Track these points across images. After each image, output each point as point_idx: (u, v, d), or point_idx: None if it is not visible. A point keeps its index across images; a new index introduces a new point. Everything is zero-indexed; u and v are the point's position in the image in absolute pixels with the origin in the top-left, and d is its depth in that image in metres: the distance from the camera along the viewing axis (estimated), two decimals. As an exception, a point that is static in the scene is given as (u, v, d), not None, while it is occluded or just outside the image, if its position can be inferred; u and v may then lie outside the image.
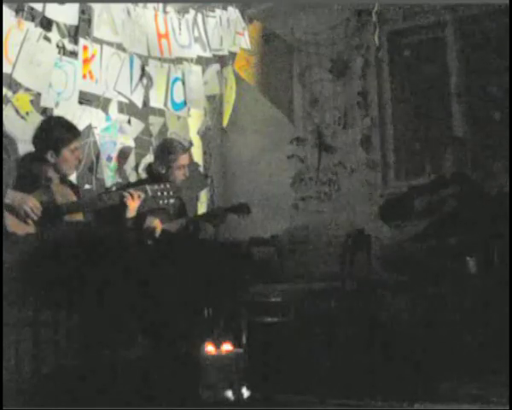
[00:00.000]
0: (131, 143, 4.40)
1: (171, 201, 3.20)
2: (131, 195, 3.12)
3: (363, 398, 2.93)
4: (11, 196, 2.85)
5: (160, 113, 4.63)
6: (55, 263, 2.87)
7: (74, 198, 3.18)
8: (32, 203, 2.90)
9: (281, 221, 5.31)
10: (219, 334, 3.20)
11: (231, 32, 4.98)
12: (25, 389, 2.82)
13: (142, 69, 4.39)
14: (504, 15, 4.52)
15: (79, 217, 3.11)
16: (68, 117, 3.39)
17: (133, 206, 3.14)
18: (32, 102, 3.72)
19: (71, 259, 2.89)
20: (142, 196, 3.17)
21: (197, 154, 5.06)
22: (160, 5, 4.54)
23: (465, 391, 2.97)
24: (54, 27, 3.91)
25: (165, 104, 4.59)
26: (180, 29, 4.65)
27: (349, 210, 5.11)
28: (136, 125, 4.46)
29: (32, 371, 2.89)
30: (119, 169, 4.32)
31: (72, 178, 3.60)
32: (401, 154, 5.16)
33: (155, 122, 4.61)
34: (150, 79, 4.43)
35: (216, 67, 5.01)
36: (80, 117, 3.93)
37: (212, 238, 4.39)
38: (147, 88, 4.44)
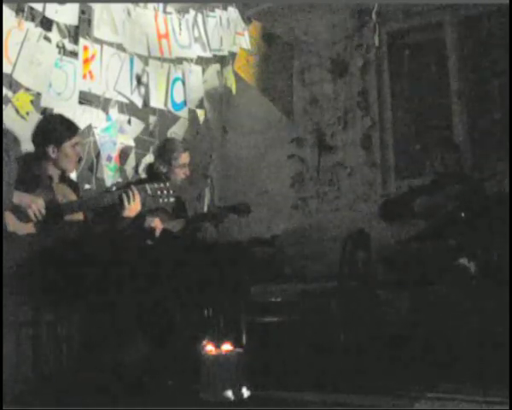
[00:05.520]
0: (131, 143, 4.40)
1: (171, 200, 3.20)
2: (128, 195, 3.11)
3: (362, 396, 2.93)
4: (19, 197, 2.85)
5: (160, 113, 4.63)
6: (56, 263, 2.87)
7: (74, 197, 3.19)
8: (39, 204, 2.90)
9: (281, 221, 5.31)
10: (219, 334, 3.20)
11: (231, 32, 4.98)
12: (25, 389, 2.82)
13: (138, 80, 4.38)
14: (504, 15, 4.52)
15: (79, 217, 3.11)
16: (68, 117, 3.39)
17: (132, 206, 3.13)
18: (32, 102, 3.72)
19: (71, 259, 2.89)
20: (139, 196, 3.16)
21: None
22: (161, 5, 4.54)
23: (464, 391, 2.97)
24: (54, 27, 3.91)
25: (165, 104, 4.59)
26: (180, 29, 4.64)
27: (349, 210, 5.12)
28: (136, 125, 4.46)
29: (32, 371, 2.89)
30: (119, 169, 4.32)
31: (73, 177, 3.59)
32: (401, 154, 5.16)
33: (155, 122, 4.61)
34: (147, 86, 4.43)
35: (216, 67, 5.00)
36: (80, 117, 3.92)
37: (213, 238, 4.39)
38: (146, 94, 4.44)
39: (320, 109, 5.31)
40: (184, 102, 4.72)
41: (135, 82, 4.37)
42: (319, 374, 3.33)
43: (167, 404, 2.80)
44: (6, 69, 3.55)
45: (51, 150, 3.13)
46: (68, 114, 3.46)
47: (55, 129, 3.17)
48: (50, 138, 3.14)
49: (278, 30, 5.36)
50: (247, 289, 3.76)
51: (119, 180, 4.28)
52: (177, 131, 4.73)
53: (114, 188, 4.01)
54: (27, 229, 2.91)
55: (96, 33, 4.07)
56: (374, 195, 5.03)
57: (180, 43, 4.64)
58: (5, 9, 3.55)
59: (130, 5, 4.30)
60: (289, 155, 5.39)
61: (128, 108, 4.38)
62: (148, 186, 3.19)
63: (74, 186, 3.33)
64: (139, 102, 4.42)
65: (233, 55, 5.04)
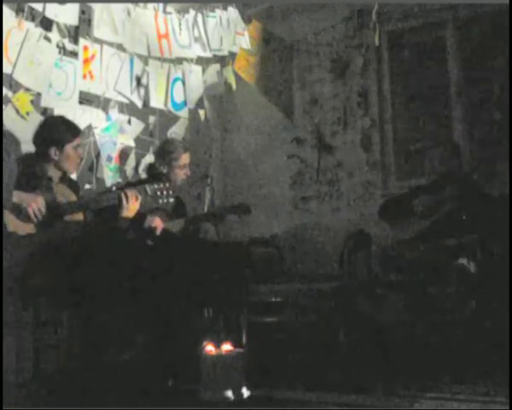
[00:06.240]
0: (131, 143, 4.40)
1: (171, 200, 3.20)
2: (126, 195, 3.11)
3: (362, 396, 2.93)
4: (19, 196, 2.85)
5: (160, 113, 4.63)
6: (55, 263, 2.87)
7: (74, 198, 3.19)
8: (39, 203, 2.90)
9: (281, 221, 5.31)
10: (219, 334, 3.21)
11: (231, 32, 4.98)
12: (25, 390, 2.82)
13: (138, 81, 4.38)
14: (504, 15, 4.52)
15: (79, 217, 3.11)
16: (69, 117, 3.40)
17: (131, 206, 3.13)
18: (32, 102, 3.72)
19: (71, 259, 2.89)
20: (140, 196, 3.16)
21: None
22: (161, 5, 4.54)
23: (464, 391, 2.97)
24: (54, 27, 3.91)
25: (165, 104, 4.59)
26: (180, 29, 4.64)
27: (349, 210, 5.12)
28: (136, 125, 4.46)
29: (33, 371, 2.89)
30: (119, 169, 4.32)
31: (73, 177, 3.59)
32: (401, 154, 5.16)
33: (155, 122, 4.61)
34: (147, 86, 4.43)
35: (216, 67, 5.00)
36: (80, 117, 3.92)
37: (213, 238, 4.39)
38: (146, 94, 4.44)
39: (320, 109, 5.31)
40: (184, 102, 4.72)
41: (135, 82, 4.37)
42: (319, 374, 3.33)
43: (167, 404, 2.80)
44: (6, 69, 3.55)
45: (53, 152, 3.14)
46: (68, 114, 3.47)
47: (57, 131, 3.18)
48: (52, 140, 3.15)
49: (278, 30, 5.36)
50: (247, 289, 3.76)
51: (119, 180, 4.28)
52: (177, 131, 4.73)
53: (114, 188, 4.01)
54: (27, 229, 2.91)
55: (96, 33, 4.07)
56: (374, 195, 5.02)
57: (180, 43, 4.64)
58: (5, 9, 3.55)
59: (130, 5, 4.30)
60: (289, 155, 5.39)
61: (128, 108, 4.38)
62: (147, 187, 3.20)
63: (74, 186, 3.33)
64: (139, 102, 4.42)
65: (233, 55, 5.04)
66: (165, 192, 3.19)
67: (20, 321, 2.87)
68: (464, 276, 3.61)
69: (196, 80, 4.79)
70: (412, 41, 5.16)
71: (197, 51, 4.77)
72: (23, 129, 3.54)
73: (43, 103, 3.80)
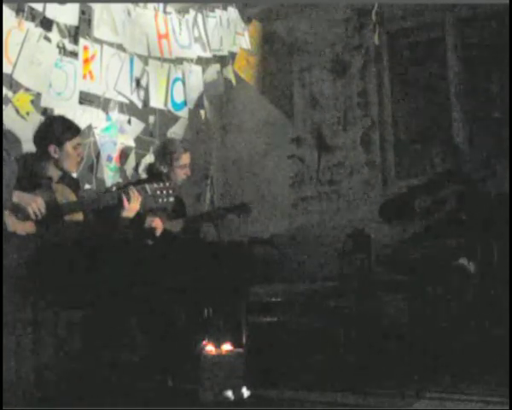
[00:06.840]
0: (131, 143, 4.40)
1: (171, 200, 3.20)
2: (128, 194, 3.11)
3: (362, 396, 2.93)
4: (19, 196, 2.85)
5: (160, 113, 4.64)
6: (55, 263, 2.87)
7: (74, 197, 3.19)
8: (39, 203, 2.90)
9: (281, 221, 5.31)
10: (219, 334, 3.21)
11: (231, 32, 4.98)
12: (25, 390, 2.82)
13: (138, 81, 4.39)
14: (504, 15, 4.52)
15: (79, 217, 3.11)
16: (69, 117, 3.40)
17: (131, 206, 3.13)
18: (32, 102, 3.72)
19: (70, 259, 2.89)
20: (140, 196, 3.15)
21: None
22: (161, 5, 4.54)
23: (464, 391, 2.97)
24: (54, 27, 3.91)
25: (165, 104, 4.59)
26: (180, 29, 4.65)
27: (349, 210, 5.12)
28: (136, 125, 4.46)
29: (32, 371, 2.89)
30: (120, 169, 4.32)
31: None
32: (401, 154, 5.16)
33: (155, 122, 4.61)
34: (147, 86, 4.43)
35: (216, 67, 5.01)
36: (80, 117, 3.92)
37: (213, 238, 4.39)
38: (146, 94, 4.44)
39: (320, 109, 5.31)
40: (184, 102, 4.73)
41: (135, 82, 4.37)
42: (319, 374, 3.34)
43: (167, 404, 2.80)
44: (6, 69, 3.56)
45: (53, 150, 3.14)
46: (68, 114, 3.47)
47: (56, 129, 3.18)
48: (52, 138, 3.16)
49: (278, 30, 5.36)
50: (247, 289, 3.76)
51: (119, 180, 4.28)
52: (177, 131, 4.73)
53: (114, 188, 4.01)
54: (27, 229, 2.91)
55: (96, 33, 4.08)
56: (374, 195, 5.02)
57: (180, 43, 4.64)
58: (5, 9, 3.55)
59: (130, 5, 4.31)
60: (289, 155, 5.39)
61: (128, 108, 4.38)
62: (147, 186, 3.19)
63: (75, 186, 3.33)
64: (139, 102, 4.42)
65: (233, 55, 5.04)
66: (165, 192, 3.19)
67: (19, 321, 2.87)
68: (464, 276, 3.61)
69: (196, 80, 4.79)
70: (412, 41, 5.17)
71: (197, 51, 4.78)
72: (23, 129, 3.54)
73: (43, 103, 3.80)
